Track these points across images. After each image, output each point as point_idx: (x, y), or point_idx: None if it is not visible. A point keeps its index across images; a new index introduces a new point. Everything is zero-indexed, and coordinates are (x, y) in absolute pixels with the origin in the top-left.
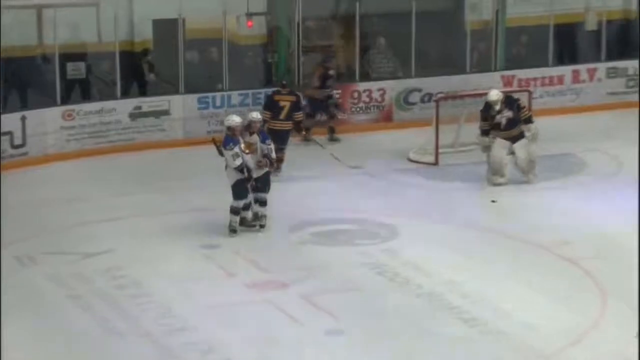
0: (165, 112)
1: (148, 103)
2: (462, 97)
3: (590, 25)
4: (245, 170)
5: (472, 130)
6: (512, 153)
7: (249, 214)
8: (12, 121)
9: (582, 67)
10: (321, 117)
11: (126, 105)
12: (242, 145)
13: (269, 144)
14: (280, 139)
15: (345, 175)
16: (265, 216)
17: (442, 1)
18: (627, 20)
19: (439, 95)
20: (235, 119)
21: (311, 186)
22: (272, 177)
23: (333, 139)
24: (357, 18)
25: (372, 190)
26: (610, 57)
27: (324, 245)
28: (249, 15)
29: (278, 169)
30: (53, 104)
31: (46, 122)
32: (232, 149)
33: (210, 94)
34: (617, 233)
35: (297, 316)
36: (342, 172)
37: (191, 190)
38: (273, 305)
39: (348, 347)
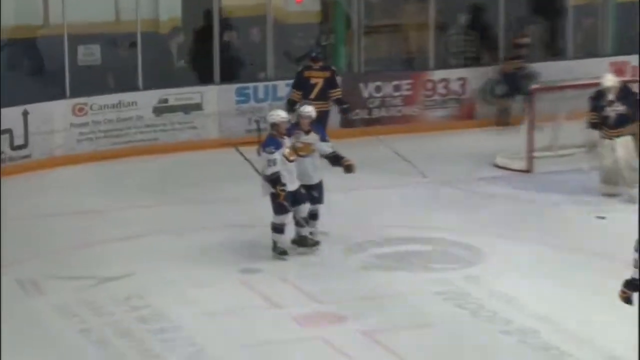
0: (197, 107)
1: (176, 95)
2: (562, 88)
3: None
4: (277, 182)
5: (573, 129)
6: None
7: (306, 231)
8: (12, 117)
9: None
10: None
11: (149, 97)
12: (287, 151)
13: (329, 142)
14: (315, 122)
15: (416, 184)
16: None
17: None
18: None
19: (534, 87)
20: (280, 114)
21: (374, 196)
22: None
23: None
24: None
25: (450, 202)
26: None
27: (390, 270)
28: None
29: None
30: (61, 95)
31: (53, 118)
32: (272, 152)
33: (251, 85)
34: None
35: (357, 358)
36: (413, 179)
37: (228, 202)
38: (328, 344)
39: None
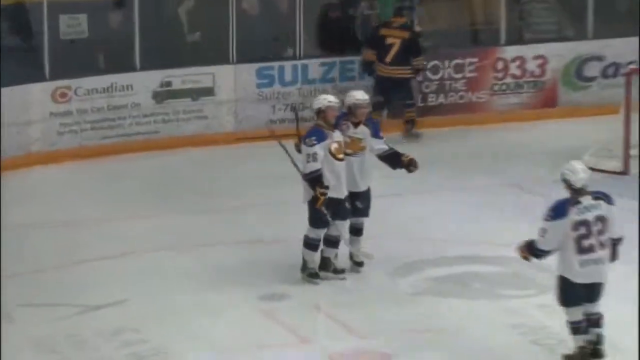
0: (208, 91)
1: (182, 77)
2: None
3: None
4: (317, 182)
5: None
6: None
7: (331, 253)
8: None
9: None
10: None
11: (149, 79)
12: (334, 146)
13: (382, 138)
14: (394, 90)
15: (479, 189)
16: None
17: None
18: None
19: (631, 67)
20: (328, 99)
21: (425, 204)
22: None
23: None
24: None
25: (522, 211)
26: None
27: (448, 296)
28: None
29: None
30: (39, 78)
31: (29, 106)
32: (312, 145)
33: (275, 64)
34: None
35: None
36: (475, 183)
37: (246, 210)
38: None
39: None
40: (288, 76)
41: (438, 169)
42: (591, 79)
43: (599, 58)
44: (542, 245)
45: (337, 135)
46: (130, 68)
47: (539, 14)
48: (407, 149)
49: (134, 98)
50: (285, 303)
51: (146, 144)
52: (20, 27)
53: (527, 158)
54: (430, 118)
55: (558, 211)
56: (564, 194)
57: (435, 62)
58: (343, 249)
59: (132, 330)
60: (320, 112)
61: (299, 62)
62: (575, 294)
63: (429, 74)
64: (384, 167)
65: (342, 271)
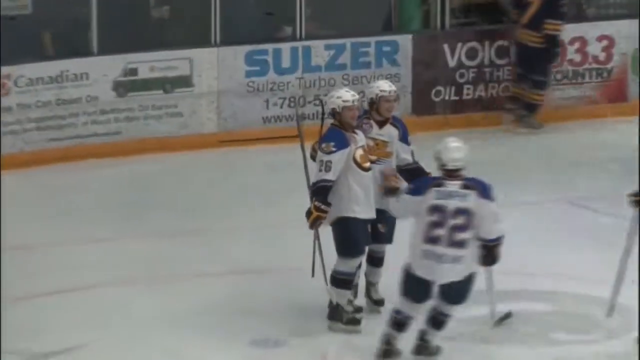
0: (184, 81)
1: (150, 63)
2: None
3: None
4: (319, 195)
5: None
6: None
7: (341, 297)
8: None
9: None
10: None
11: (108, 66)
12: (359, 152)
13: (410, 144)
14: (525, 62)
15: (529, 206)
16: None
17: None
18: None
19: None
20: (344, 97)
21: None
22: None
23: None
24: None
25: (584, 235)
26: None
27: (489, 343)
28: None
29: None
30: None
31: None
32: (331, 151)
33: (269, 46)
34: None
35: None
36: (524, 198)
37: (231, 233)
38: None
39: None
40: (285, 62)
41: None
42: None
43: None
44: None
45: (360, 139)
46: (86, 52)
47: None
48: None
49: (89, 90)
50: (282, 351)
51: (106, 148)
52: None
53: (591, 167)
54: (464, 115)
55: (418, 186)
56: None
57: (473, 44)
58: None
59: None
60: (335, 114)
61: (299, 44)
62: (413, 287)
63: (464, 60)
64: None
65: (360, 309)
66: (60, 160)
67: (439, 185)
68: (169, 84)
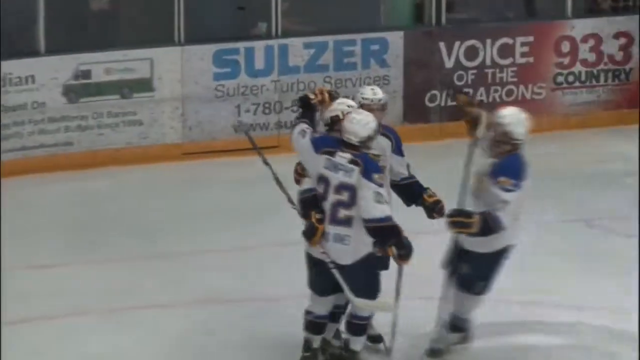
0: (144, 85)
1: (105, 64)
2: None
3: None
4: (308, 207)
5: None
6: None
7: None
8: None
9: None
10: None
11: (57, 68)
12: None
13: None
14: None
15: (537, 226)
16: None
17: None
18: None
19: None
20: (347, 102)
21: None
22: None
23: None
24: None
25: (601, 259)
26: None
27: None
28: None
29: None
30: None
31: None
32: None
33: (241, 45)
34: None
35: None
36: (531, 217)
37: (197, 258)
38: None
39: None
40: (259, 63)
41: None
42: None
43: None
44: (294, 138)
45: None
46: (31, 51)
47: None
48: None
49: (36, 95)
50: None
51: (55, 161)
52: None
53: (607, 182)
54: (463, 123)
55: (320, 141)
56: None
57: (473, 41)
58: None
59: None
60: (335, 122)
61: (275, 43)
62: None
63: (463, 59)
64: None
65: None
66: (2, 176)
67: (331, 153)
68: (126, 88)
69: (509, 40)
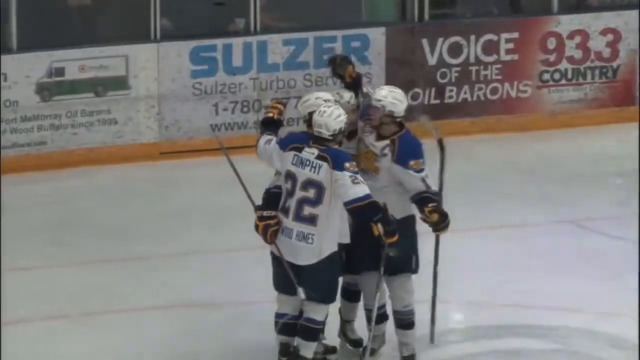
0: (119, 83)
1: (79, 61)
2: None
3: None
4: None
5: None
6: None
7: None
8: None
9: None
10: None
11: (30, 66)
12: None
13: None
14: None
15: (524, 228)
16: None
17: None
18: None
19: None
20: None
21: (447, 252)
22: None
23: None
24: None
25: (590, 262)
26: None
27: None
28: None
29: None
30: None
31: None
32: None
33: (219, 42)
34: None
35: None
36: (517, 218)
37: (174, 260)
38: None
39: None
40: (237, 60)
41: (463, 197)
42: None
43: None
44: (259, 150)
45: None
46: (3, 48)
47: None
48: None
49: (8, 93)
50: None
51: (27, 161)
52: None
53: (595, 182)
54: (447, 122)
55: (285, 140)
56: None
57: (456, 38)
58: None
59: None
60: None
61: (253, 39)
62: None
63: (447, 57)
64: None
65: (334, 350)
66: None
67: (299, 149)
68: (101, 86)
69: (494, 37)
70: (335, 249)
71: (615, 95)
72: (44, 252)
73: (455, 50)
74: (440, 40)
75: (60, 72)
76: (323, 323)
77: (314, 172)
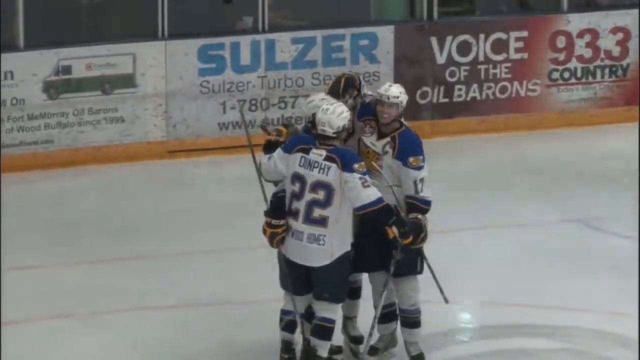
0: (126, 81)
1: (86, 59)
2: None
3: None
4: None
5: None
6: None
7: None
8: None
9: None
10: None
11: (37, 64)
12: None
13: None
14: None
15: (530, 226)
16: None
17: None
18: None
19: None
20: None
21: (449, 250)
22: None
23: None
24: None
25: (597, 260)
26: None
27: None
28: None
29: None
30: None
31: None
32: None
33: (226, 40)
34: None
35: None
36: (524, 217)
37: (181, 259)
38: None
39: None
40: (245, 58)
41: (468, 196)
42: None
43: None
44: (264, 172)
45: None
46: (10, 46)
47: None
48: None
49: (15, 91)
50: None
51: (34, 159)
52: None
53: (604, 181)
54: (456, 120)
55: (290, 143)
56: None
57: (465, 36)
58: None
59: None
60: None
61: (261, 38)
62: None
63: (455, 55)
64: None
65: (339, 350)
66: None
67: (306, 151)
68: (108, 84)
69: (503, 35)
70: (347, 249)
71: (624, 94)
72: (50, 251)
73: (464, 48)
74: (449, 38)
75: (67, 70)
76: (335, 321)
77: (323, 173)
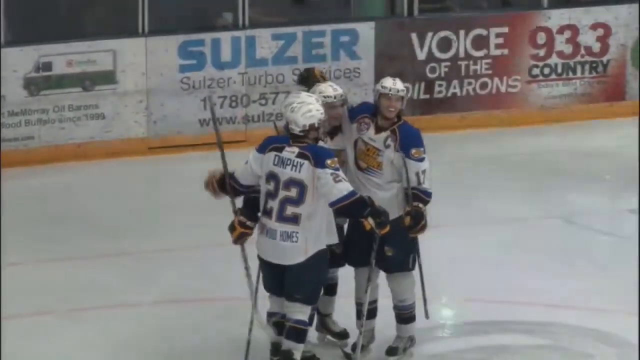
0: (107, 77)
1: (67, 55)
2: None
3: None
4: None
5: None
6: None
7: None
8: None
9: None
10: None
11: (18, 60)
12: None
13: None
14: None
15: (513, 223)
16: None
17: None
18: None
19: None
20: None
21: (433, 247)
22: None
23: None
24: None
25: (578, 257)
26: None
27: None
28: None
29: None
30: None
31: None
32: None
33: (207, 36)
34: None
35: None
36: (506, 214)
37: (162, 256)
38: None
39: None
40: (226, 55)
41: (451, 194)
42: None
43: None
44: (237, 176)
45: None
46: None
47: None
48: None
49: None
50: None
51: (15, 156)
52: None
53: (585, 177)
54: (437, 116)
55: (262, 144)
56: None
57: (446, 33)
58: None
59: None
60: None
61: (242, 34)
62: (263, 271)
63: (436, 52)
64: None
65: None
66: None
67: (279, 149)
68: (88, 81)
69: (483, 31)
70: (322, 247)
71: (605, 90)
72: (32, 248)
73: (444, 44)
74: (429, 34)
75: (47, 66)
76: (311, 323)
77: (296, 170)
